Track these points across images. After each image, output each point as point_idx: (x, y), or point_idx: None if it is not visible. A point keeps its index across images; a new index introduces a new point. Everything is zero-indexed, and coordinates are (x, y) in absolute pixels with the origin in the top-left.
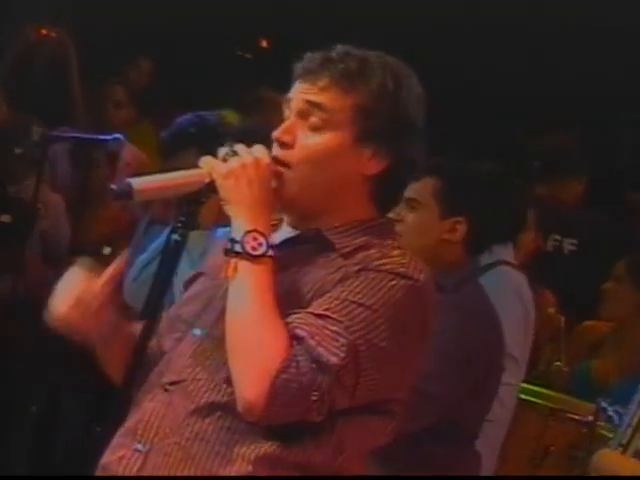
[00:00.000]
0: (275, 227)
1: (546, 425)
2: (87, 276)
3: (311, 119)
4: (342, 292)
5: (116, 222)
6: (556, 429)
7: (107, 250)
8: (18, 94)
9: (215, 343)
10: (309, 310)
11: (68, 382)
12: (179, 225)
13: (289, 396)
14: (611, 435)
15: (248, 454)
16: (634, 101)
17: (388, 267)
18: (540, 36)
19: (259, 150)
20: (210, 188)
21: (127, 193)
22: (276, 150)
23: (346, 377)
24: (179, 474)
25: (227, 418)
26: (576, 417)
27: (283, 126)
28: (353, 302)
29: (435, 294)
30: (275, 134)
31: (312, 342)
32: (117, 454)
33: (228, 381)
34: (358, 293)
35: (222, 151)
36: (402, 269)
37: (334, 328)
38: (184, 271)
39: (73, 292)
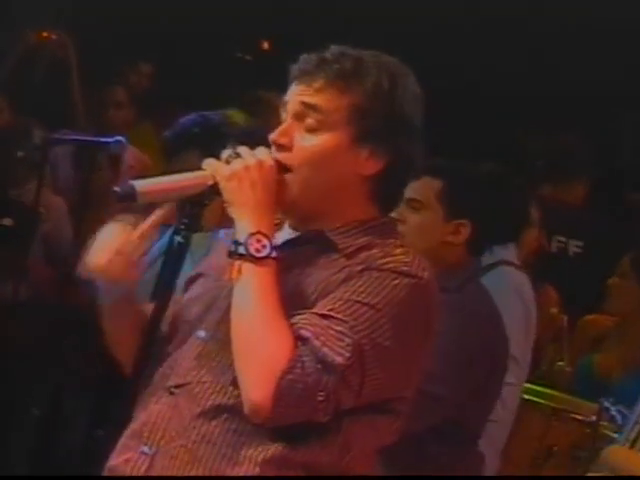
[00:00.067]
0: (278, 226)
1: (549, 425)
2: (125, 229)
3: (307, 121)
4: (346, 292)
5: None
6: (559, 429)
7: None
8: (19, 97)
9: (219, 345)
10: (313, 311)
11: (69, 383)
12: (182, 227)
13: (295, 397)
14: (614, 435)
15: (255, 456)
16: (634, 101)
17: (391, 266)
18: (540, 36)
19: (262, 152)
20: (213, 190)
21: (130, 195)
22: (274, 153)
23: (352, 377)
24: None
25: (233, 420)
26: (579, 417)
27: (280, 129)
28: (357, 302)
29: (439, 293)
30: (272, 137)
31: (317, 342)
32: (123, 457)
33: (234, 383)
34: (362, 293)
35: (225, 153)
36: (405, 267)
37: (339, 328)
38: (187, 274)
39: (113, 244)
